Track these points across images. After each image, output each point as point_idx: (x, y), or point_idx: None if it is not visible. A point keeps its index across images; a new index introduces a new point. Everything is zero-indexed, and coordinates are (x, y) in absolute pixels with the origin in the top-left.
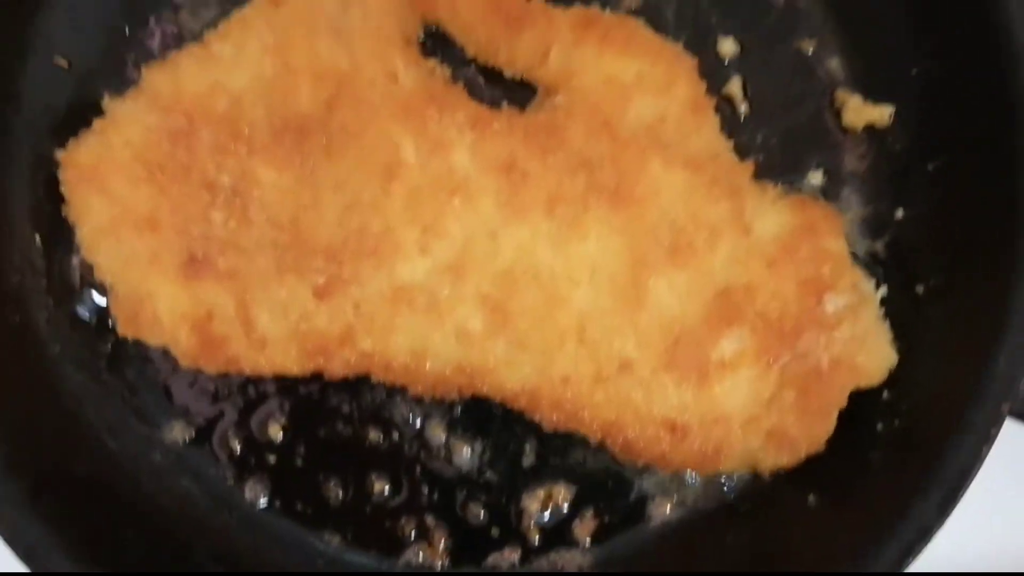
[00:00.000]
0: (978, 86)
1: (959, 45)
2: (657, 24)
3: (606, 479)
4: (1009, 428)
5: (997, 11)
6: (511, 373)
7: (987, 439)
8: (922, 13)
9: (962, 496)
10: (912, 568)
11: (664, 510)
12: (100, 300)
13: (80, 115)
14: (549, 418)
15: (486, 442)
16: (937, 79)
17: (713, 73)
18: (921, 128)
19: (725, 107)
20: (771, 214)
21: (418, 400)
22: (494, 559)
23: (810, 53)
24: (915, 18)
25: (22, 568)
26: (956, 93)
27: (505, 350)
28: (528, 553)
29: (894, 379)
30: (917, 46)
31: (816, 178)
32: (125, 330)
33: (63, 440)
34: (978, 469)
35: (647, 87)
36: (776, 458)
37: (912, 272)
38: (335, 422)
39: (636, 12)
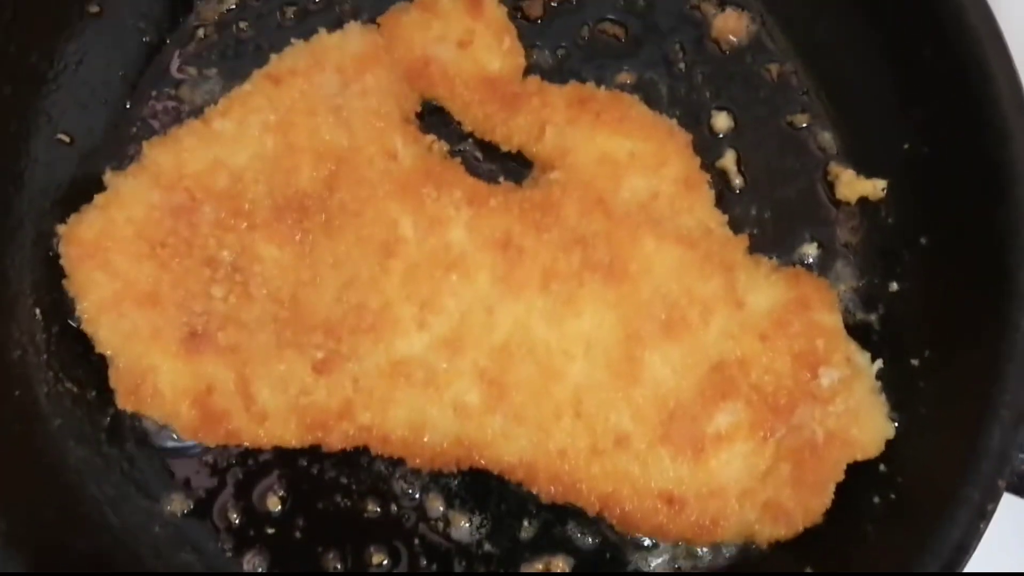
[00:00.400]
0: (967, 161)
1: (946, 120)
2: (651, 99)
3: (604, 551)
4: (1011, 504)
5: (985, 86)
6: (508, 446)
7: (983, 515)
8: (907, 89)
9: (960, 572)
10: None
11: None
12: (100, 374)
13: (82, 189)
14: (547, 491)
15: (484, 514)
16: (928, 153)
17: (707, 148)
18: (914, 202)
19: (719, 181)
20: (764, 288)
21: (416, 473)
22: None
23: (803, 127)
24: (900, 94)
25: None
26: (947, 167)
27: (502, 423)
28: None
29: (890, 452)
30: (905, 121)
31: (810, 251)
32: (125, 403)
33: (64, 514)
34: (975, 545)
35: (640, 165)
36: (773, 530)
37: (906, 345)
38: (334, 494)
39: (631, 88)
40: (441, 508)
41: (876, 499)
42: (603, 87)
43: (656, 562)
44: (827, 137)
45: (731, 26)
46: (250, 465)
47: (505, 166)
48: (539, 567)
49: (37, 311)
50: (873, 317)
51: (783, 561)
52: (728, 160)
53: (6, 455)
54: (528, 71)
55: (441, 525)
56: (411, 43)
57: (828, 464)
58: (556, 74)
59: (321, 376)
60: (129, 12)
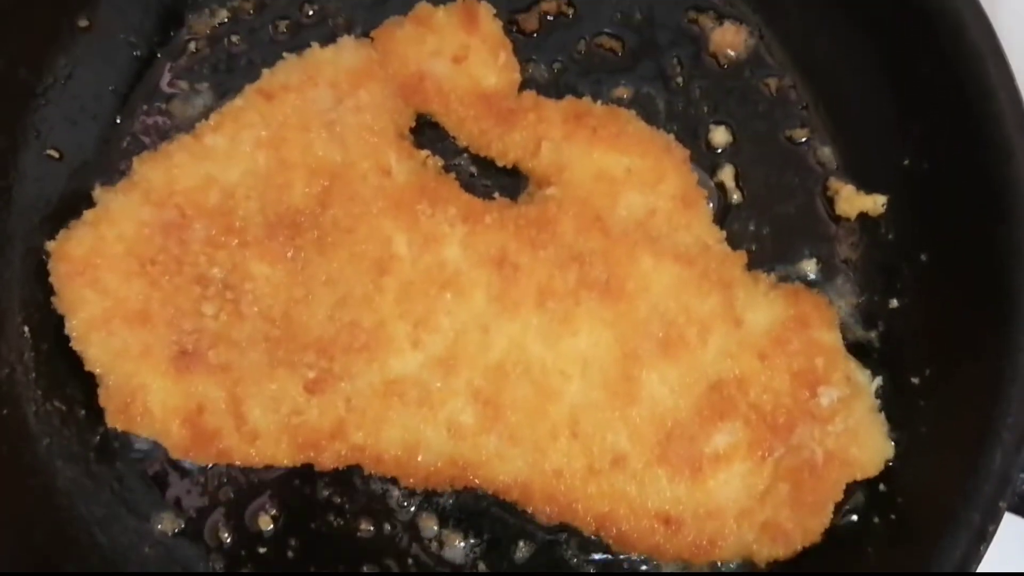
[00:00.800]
0: (968, 177)
1: (947, 136)
2: (649, 114)
3: (600, 573)
4: (1013, 521)
5: (987, 103)
6: (503, 466)
7: (984, 537)
8: (906, 104)
9: None
10: None
11: None
12: (90, 392)
13: (71, 206)
14: (542, 511)
15: (479, 535)
16: (928, 169)
17: (705, 163)
18: (914, 218)
19: (718, 196)
20: (763, 306)
21: (410, 492)
22: None
23: (802, 142)
24: (900, 109)
25: None
26: (947, 184)
27: (497, 443)
28: None
29: (891, 472)
30: (905, 136)
31: (809, 267)
32: (115, 422)
33: (53, 535)
34: (976, 566)
35: (637, 181)
36: (771, 550)
37: (906, 363)
38: (327, 514)
39: (627, 102)
40: (435, 528)
41: (876, 519)
42: (600, 102)
43: None
44: (826, 152)
45: (729, 40)
46: (242, 484)
47: (500, 182)
48: None
49: (26, 329)
50: (873, 334)
51: None
52: (726, 175)
53: None
54: (524, 86)
55: (435, 545)
56: (405, 58)
57: (827, 484)
58: (552, 89)
59: (313, 395)
60: (119, 26)
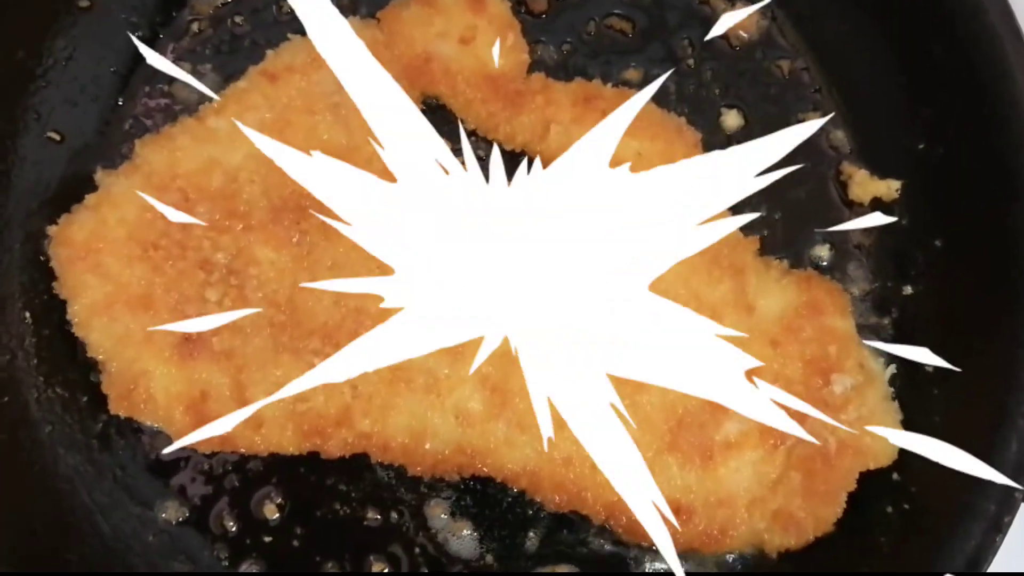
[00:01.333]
0: (984, 161)
1: (961, 120)
2: (659, 97)
3: (610, 561)
4: None
5: (1003, 86)
6: (512, 454)
7: (999, 527)
8: (920, 87)
9: None
10: None
11: None
12: (92, 378)
13: (72, 189)
14: (551, 499)
15: (487, 523)
16: (943, 153)
17: (717, 147)
18: (929, 203)
19: None
20: (775, 292)
21: (418, 480)
22: None
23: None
24: (914, 92)
25: None
26: (963, 168)
27: (505, 431)
28: None
29: (904, 461)
30: (919, 120)
31: (822, 253)
32: (117, 409)
33: (54, 523)
34: (991, 558)
35: (648, 164)
36: (783, 540)
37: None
38: (333, 502)
39: (637, 85)
40: (443, 517)
41: (890, 509)
42: (609, 84)
43: (663, 574)
44: (840, 136)
45: (741, 21)
46: (247, 472)
47: (508, 164)
48: None
49: (27, 314)
50: (886, 321)
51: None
52: None
53: None
54: (532, 67)
55: (442, 535)
56: (412, 39)
57: (840, 473)
58: (561, 70)
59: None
60: (120, 6)
